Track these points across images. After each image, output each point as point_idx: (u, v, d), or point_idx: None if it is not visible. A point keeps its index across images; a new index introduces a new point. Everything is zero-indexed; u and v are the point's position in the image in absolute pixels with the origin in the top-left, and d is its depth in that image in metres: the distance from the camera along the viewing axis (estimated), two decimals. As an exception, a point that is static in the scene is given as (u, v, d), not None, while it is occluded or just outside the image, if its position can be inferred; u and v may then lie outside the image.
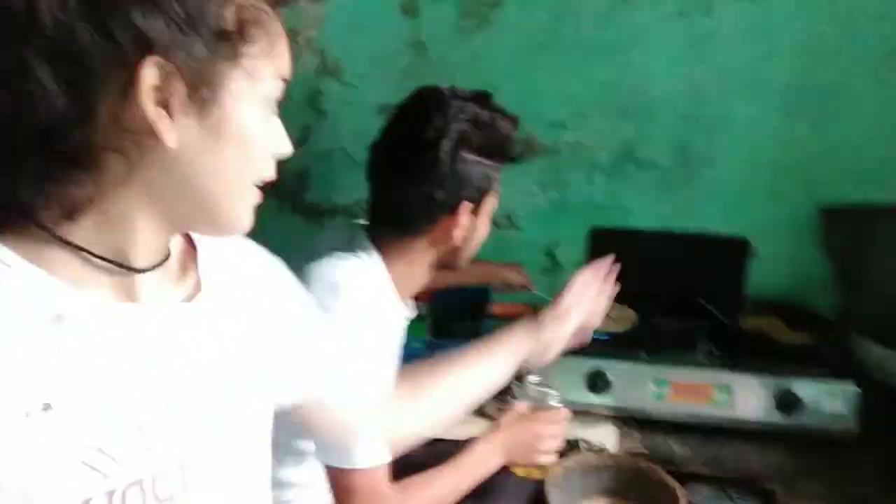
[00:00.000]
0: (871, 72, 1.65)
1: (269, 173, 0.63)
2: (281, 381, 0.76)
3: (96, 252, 0.58)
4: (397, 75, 1.77)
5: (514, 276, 1.75)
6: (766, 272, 1.80)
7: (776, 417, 1.48)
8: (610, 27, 1.69)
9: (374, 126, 1.89)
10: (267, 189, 0.64)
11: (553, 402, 1.25)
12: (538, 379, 1.23)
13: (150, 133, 0.54)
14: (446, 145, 1.07)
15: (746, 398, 1.49)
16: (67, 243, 0.56)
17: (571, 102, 1.76)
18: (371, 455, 1.04)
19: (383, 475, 1.07)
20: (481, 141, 1.10)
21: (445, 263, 1.19)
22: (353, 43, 1.75)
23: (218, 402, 0.66)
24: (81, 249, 0.57)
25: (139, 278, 0.61)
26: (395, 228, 1.13)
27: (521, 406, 1.28)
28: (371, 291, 1.10)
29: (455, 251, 1.17)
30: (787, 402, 1.47)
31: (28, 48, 0.50)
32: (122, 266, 0.59)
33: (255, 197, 0.63)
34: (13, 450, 0.51)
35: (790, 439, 1.48)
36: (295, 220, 1.89)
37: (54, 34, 0.50)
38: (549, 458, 1.27)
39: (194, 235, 0.70)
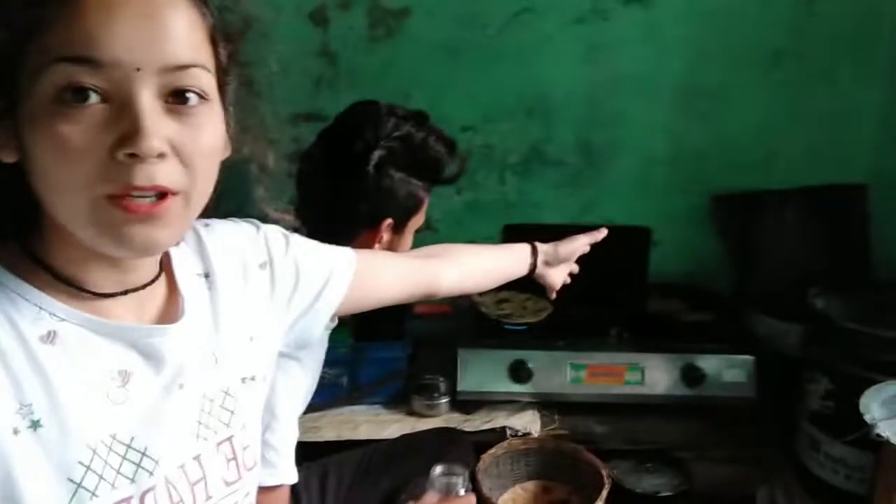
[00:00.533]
0: (753, 70, 1.79)
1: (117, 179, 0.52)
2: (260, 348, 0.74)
3: (60, 272, 0.57)
4: (308, 84, 1.79)
5: None
6: (667, 258, 1.91)
7: (683, 391, 1.59)
8: (514, 34, 1.76)
9: (285, 136, 1.91)
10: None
11: (461, 490, 1.14)
12: (444, 468, 1.15)
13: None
14: (374, 160, 1.09)
15: (656, 375, 1.59)
16: (37, 261, 0.56)
17: (480, 106, 1.82)
18: (277, 475, 1.02)
19: (285, 498, 1.06)
20: (411, 160, 1.12)
21: None
22: (263, 53, 1.76)
23: (196, 411, 0.65)
24: (48, 270, 0.57)
25: (115, 301, 0.60)
26: (316, 239, 1.15)
27: (430, 498, 1.14)
28: None
29: None
30: (692, 376, 1.58)
31: None
32: (82, 289, 0.58)
33: (110, 211, 0.53)
34: (2, 466, 0.51)
35: (697, 410, 1.59)
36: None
37: None
38: None
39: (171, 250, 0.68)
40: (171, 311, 0.65)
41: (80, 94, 0.50)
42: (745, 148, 1.85)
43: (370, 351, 1.68)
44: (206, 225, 0.72)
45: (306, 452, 1.43)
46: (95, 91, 0.51)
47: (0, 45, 0.50)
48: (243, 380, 0.70)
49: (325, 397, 1.62)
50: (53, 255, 0.58)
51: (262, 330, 0.74)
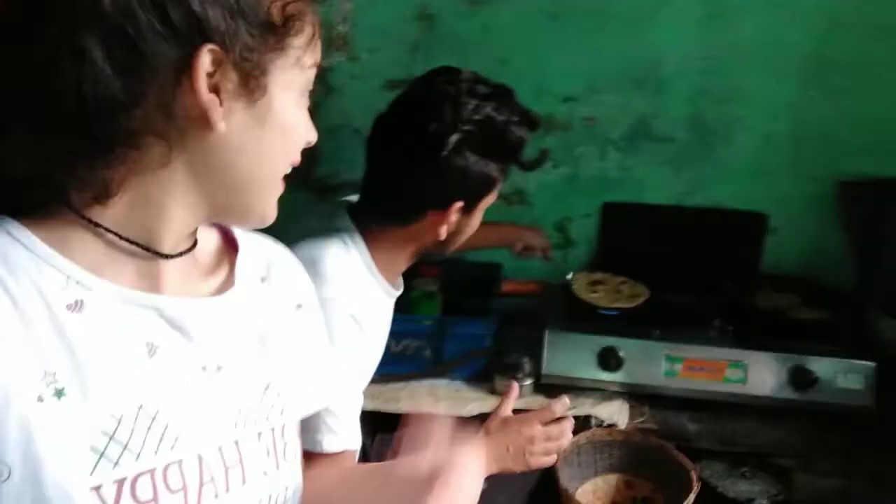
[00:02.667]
0: (889, 43, 1.61)
1: (297, 160, 0.65)
2: (301, 383, 0.75)
3: (124, 235, 0.58)
4: (406, 49, 1.75)
5: (535, 239, 1.73)
6: (782, 247, 1.77)
7: (791, 394, 1.46)
8: (623, -2, 1.65)
9: (382, 101, 1.87)
10: None
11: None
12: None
13: (199, 118, 0.56)
14: (450, 145, 1.04)
15: (760, 375, 1.47)
16: (97, 225, 0.57)
17: (584, 76, 1.73)
18: (338, 440, 1.03)
19: (350, 461, 1.06)
20: (488, 144, 1.07)
21: (429, 251, 1.17)
22: (361, 17, 1.73)
23: (236, 397, 0.65)
24: (109, 231, 0.57)
25: (163, 266, 0.61)
26: (383, 214, 1.12)
27: (506, 408, 1.15)
28: (353, 274, 1.09)
29: (440, 244, 1.14)
30: (801, 379, 1.45)
31: (86, 30, 0.51)
32: (149, 250, 0.59)
33: (282, 188, 0.64)
34: (25, 434, 0.52)
35: (805, 416, 1.46)
36: (304, 195, 1.88)
37: (113, 18, 0.51)
38: (548, 460, 1.14)
39: (238, 236, 0.72)
40: (214, 288, 0.67)
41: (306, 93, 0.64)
42: (879, 131, 1.66)
43: (455, 326, 1.65)
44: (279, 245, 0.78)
45: (385, 422, 1.43)
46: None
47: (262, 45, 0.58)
48: (286, 375, 0.71)
49: (407, 369, 1.61)
50: (121, 220, 0.58)
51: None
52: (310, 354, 0.78)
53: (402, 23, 1.73)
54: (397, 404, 1.53)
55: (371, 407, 1.49)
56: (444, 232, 1.11)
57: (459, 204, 1.09)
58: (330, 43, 1.77)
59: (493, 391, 1.58)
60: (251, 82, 0.57)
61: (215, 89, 0.55)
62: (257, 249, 0.73)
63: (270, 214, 0.65)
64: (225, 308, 0.66)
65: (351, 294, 1.06)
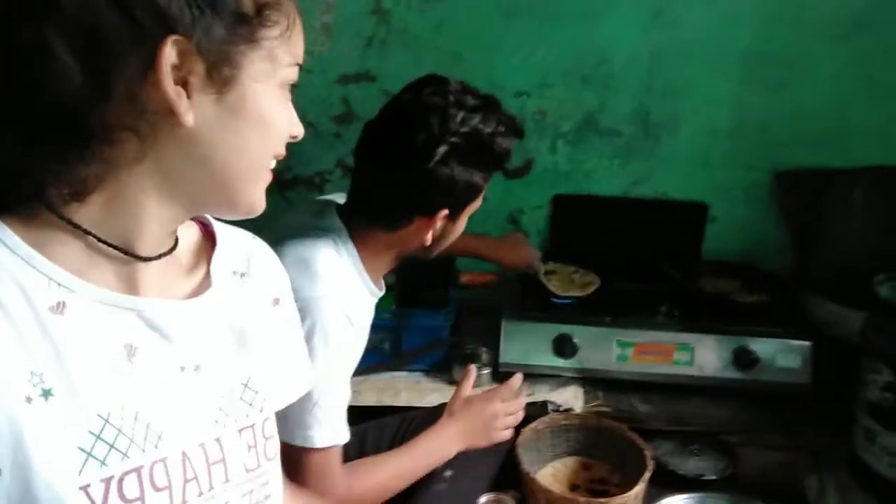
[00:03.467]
0: (825, 39, 1.68)
1: (282, 153, 0.64)
2: (276, 377, 0.75)
3: (102, 236, 0.57)
4: (360, 44, 1.75)
5: (527, 262, 1.71)
6: (723, 235, 1.84)
7: (734, 374, 1.54)
8: (573, -4, 1.69)
9: (335, 95, 1.89)
10: None
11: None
12: (491, 497, 1.28)
13: (167, 112, 0.55)
14: (437, 156, 1.06)
15: (706, 357, 1.55)
16: (74, 226, 0.56)
17: (535, 71, 1.77)
18: (328, 435, 1.05)
19: (337, 456, 1.09)
20: (475, 155, 1.09)
21: (414, 255, 1.19)
22: (314, 11, 1.73)
23: (216, 395, 0.65)
24: (87, 233, 0.57)
25: (142, 268, 0.61)
26: (370, 218, 1.13)
27: (466, 389, 1.28)
28: (343, 272, 1.10)
29: (425, 249, 1.17)
30: (744, 359, 1.53)
31: (49, 25, 0.51)
32: (127, 253, 0.59)
33: (269, 178, 0.64)
34: (15, 434, 0.52)
35: (748, 394, 1.55)
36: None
37: (75, 12, 0.51)
38: (508, 434, 1.28)
39: (217, 230, 0.71)
40: (192, 287, 0.67)
41: (291, 88, 0.64)
42: (815, 122, 1.75)
43: (413, 318, 1.66)
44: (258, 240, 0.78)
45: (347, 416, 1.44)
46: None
47: (233, 39, 0.57)
48: (264, 372, 0.72)
49: (366, 362, 1.60)
50: (99, 221, 0.58)
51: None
52: (287, 348, 0.79)
53: (356, 17, 1.73)
54: (359, 397, 1.54)
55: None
56: (429, 238, 1.13)
57: (445, 212, 1.11)
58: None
59: (451, 382, 1.61)
60: (220, 74, 0.56)
61: (182, 82, 0.54)
62: (235, 245, 0.73)
63: (258, 205, 0.64)
64: (203, 309, 0.66)
65: (343, 293, 1.07)
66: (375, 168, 1.12)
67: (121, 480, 0.56)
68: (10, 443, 0.52)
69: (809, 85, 1.72)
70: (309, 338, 1.00)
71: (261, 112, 0.60)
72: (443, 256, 1.84)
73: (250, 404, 0.69)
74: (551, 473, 1.41)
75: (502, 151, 1.13)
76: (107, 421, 0.56)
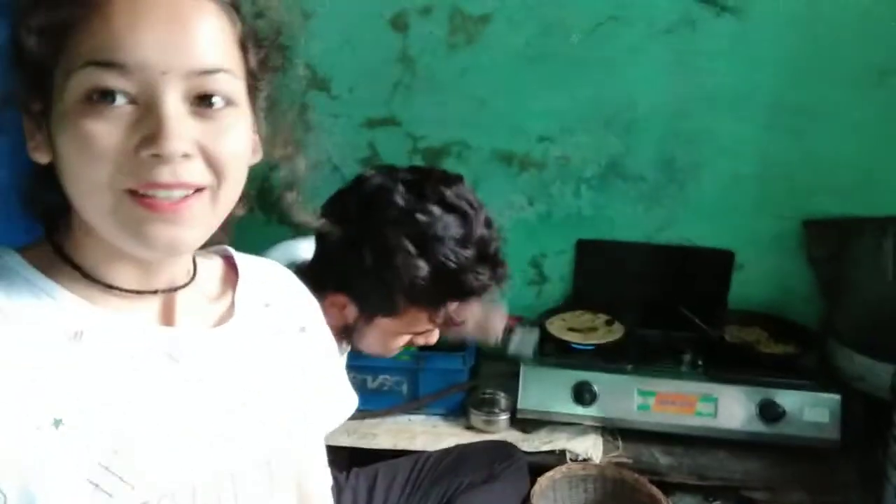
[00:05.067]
0: (851, 87, 1.67)
1: (137, 177, 0.53)
2: (303, 410, 0.73)
3: (86, 269, 0.58)
4: (386, 89, 1.78)
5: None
6: (749, 284, 1.81)
7: (759, 427, 1.50)
8: (597, 43, 1.70)
9: (362, 139, 1.92)
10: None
11: None
12: None
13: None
14: (362, 241, 0.99)
15: (730, 408, 1.51)
16: (63, 257, 0.57)
17: (558, 117, 1.78)
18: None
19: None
20: (386, 252, 0.98)
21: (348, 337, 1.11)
22: (343, 57, 1.77)
23: (234, 429, 0.64)
24: (75, 268, 0.58)
25: (161, 299, 0.61)
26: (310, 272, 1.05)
27: None
28: None
29: (343, 332, 1.08)
30: (770, 412, 1.49)
31: None
32: (111, 287, 0.59)
33: (134, 208, 0.54)
34: (23, 463, 0.52)
35: (773, 449, 1.50)
36: (282, 232, 1.89)
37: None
38: None
39: (239, 261, 0.71)
40: (215, 318, 0.66)
41: (108, 95, 0.52)
42: (842, 171, 1.72)
43: (431, 361, 1.65)
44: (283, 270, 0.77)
45: (361, 458, 1.43)
46: (123, 93, 0.52)
47: (32, 49, 0.52)
48: (282, 407, 0.70)
49: (383, 405, 1.62)
50: (83, 254, 0.59)
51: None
52: (316, 376, 0.76)
53: (382, 64, 1.76)
54: (374, 440, 1.54)
55: (347, 443, 1.49)
56: (335, 316, 1.03)
57: (341, 297, 1.03)
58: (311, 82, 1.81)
59: (469, 426, 1.59)
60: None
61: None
62: (259, 275, 0.72)
63: (151, 241, 0.55)
64: (226, 338, 0.65)
65: None
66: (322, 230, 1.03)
67: None
68: (17, 469, 0.51)
69: (835, 133, 1.70)
70: None
71: (73, 134, 0.52)
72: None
73: (271, 437, 0.67)
74: (567, 525, 1.38)
75: (407, 268, 0.97)
76: (117, 452, 0.56)
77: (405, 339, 1.11)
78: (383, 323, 1.06)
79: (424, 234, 0.98)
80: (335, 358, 0.81)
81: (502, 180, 1.83)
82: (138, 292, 0.60)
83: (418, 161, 1.83)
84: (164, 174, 0.53)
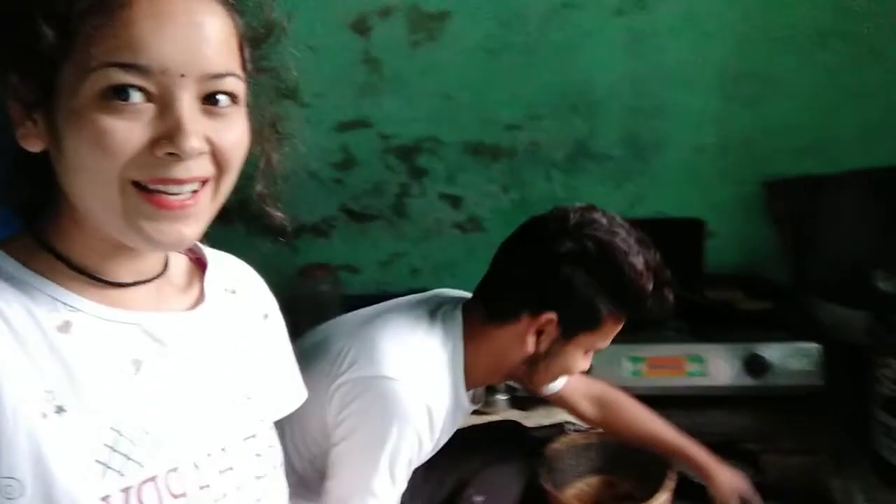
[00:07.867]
0: (796, 52, 1.75)
1: (145, 172, 0.55)
2: (273, 390, 0.77)
3: (75, 262, 0.60)
4: (354, 92, 1.81)
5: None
6: (723, 249, 1.87)
7: (747, 381, 1.55)
8: (554, 30, 1.76)
9: (334, 143, 1.94)
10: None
11: None
12: None
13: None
14: (563, 247, 1.03)
15: (718, 366, 1.56)
16: (49, 250, 0.59)
17: (524, 104, 1.82)
18: None
19: None
20: (603, 272, 1.03)
21: (519, 376, 1.14)
22: (307, 64, 1.79)
23: (219, 405, 0.67)
24: (59, 258, 0.59)
25: (131, 292, 0.63)
26: (485, 307, 1.10)
27: None
28: (433, 369, 1.05)
29: (528, 364, 1.10)
30: (755, 366, 1.54)
31: None
32: (96, 278, 0.61)
33: (141, 204, 0.56)
34: (34, 450, 0.54)
35: (763, 400, 1.55)
36: (263, 242, 1.90)
37: None
38: None
39: (206, 253, 0.73)
40: (188, 304, 0.69)
41: (125, 92, 0.53)
42: (796, 132, 1.80)
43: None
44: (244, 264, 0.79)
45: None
46: (141, 90, 0.53)
47: (41, 38, 0.53)
48: (260, 383, 0.73)
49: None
50: (70, 246, 0.60)
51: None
52: (278, 361, 0.80)
53: (347, 67, 1.79)
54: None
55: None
56: (531, 344, 1.06)
57: (552, 315, 1.04)
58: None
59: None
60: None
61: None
62: (224, 266, 0.75)
63: (157, 238, 0.57)
64: (200, 320, 0.68)
65: (425, 384, 1.03)
66: (503, 252, 1.11)
67: (139, 490, 0.58)
68: (30, 457, 0.53)
69: (786, 97, 1.78)
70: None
71: (88, 129, 0.53)
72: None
73: (251, 414, 0.70)
74: (575, 494, 1.40)
75: (631, 281, 1.04)
76: (120, 433, 0.58)
77: (591, 357, 1.15)
78: (581, 340, 1.09)
79: (627, 239, 1.06)
80: (288, 346, 0.83)
81: (475, 171, 1.87)
82: (126, 285, 0.62)
83: (392, 159, 1.86)
84: (180, 171, 0.55)
